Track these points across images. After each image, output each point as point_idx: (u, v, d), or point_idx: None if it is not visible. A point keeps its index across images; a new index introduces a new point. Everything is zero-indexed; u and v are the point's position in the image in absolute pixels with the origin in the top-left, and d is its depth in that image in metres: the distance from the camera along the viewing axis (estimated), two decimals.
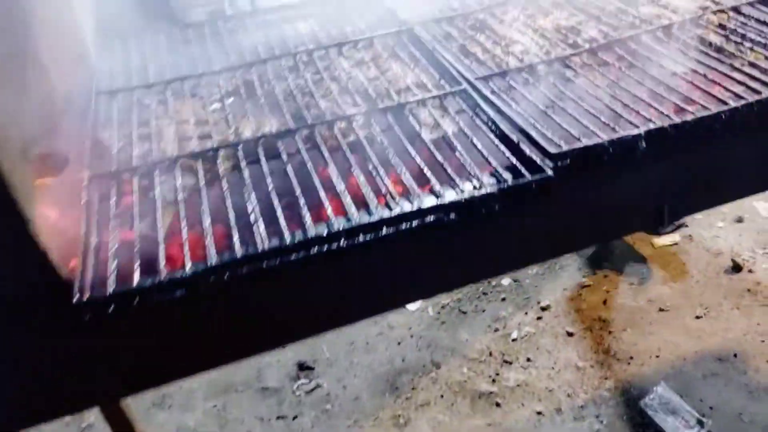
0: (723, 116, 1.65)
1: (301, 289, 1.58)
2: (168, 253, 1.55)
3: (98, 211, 1.63)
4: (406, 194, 1.58)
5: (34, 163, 1.67)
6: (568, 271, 3.83)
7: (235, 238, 1.49)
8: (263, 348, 1.70)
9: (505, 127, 1.72)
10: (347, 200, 1.56)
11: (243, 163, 1.72)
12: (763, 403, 2.99)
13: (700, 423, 2.91)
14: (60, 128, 1.77)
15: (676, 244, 3.88)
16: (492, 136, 1.72)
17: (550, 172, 1.55)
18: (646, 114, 1.70)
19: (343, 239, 1.48)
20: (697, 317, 3.45)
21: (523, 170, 1.58)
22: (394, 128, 1.80)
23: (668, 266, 3.76)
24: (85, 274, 1.45)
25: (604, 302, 3.60)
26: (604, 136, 1.62)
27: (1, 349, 1.43)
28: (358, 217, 1.51)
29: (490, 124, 1.76)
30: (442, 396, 3.25)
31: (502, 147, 1.67)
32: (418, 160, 1.67)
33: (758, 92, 1.72)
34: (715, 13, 2.08)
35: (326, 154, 1.72)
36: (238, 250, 1.46)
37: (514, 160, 1.63)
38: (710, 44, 1.96)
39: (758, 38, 1.96)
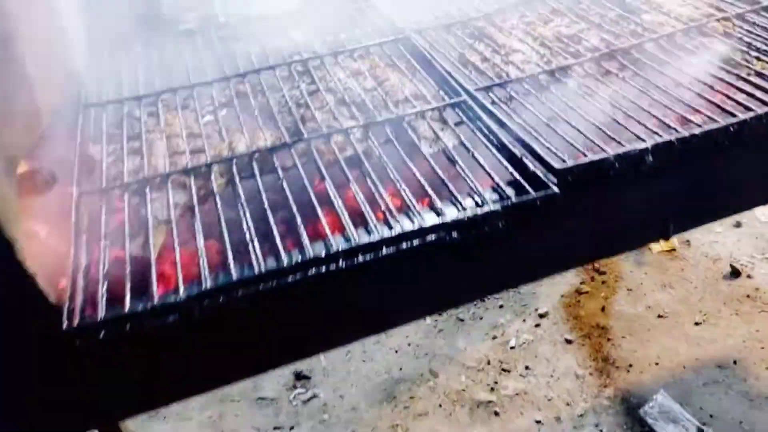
0: (731, 129, 1.61)
1: (298, 310, 1.53)
2: (160, 275, 1.50)
3: (88, 230, 1.58)
4: (406, 211, 1.53)
5: (20, 182, 1.61)
6: (566, 278, 3.79)
7: (230, 259, 1.44)
8: (260, 370, 1.65)
9: (506, 140, 1.67)
10: (345, 218, 1.51)
11: (237, 179, 1.67)
12: (764, 411, 2.96)
13: (701, 431, 2.88)
14: (47, 144, 1.72)
15: (674, 249, 3.85)
16: (493, 149, 1.67)
17: (555, 189, 1.51)
18: (651, 126, 1.66)
19: (341, 260, 1.43)
20: (697, 324, 3.42)
21: (527, 186, 1.54)
22: (392, 141, 1.75)
23: (666, 272, 3.73)
24: (74, 297, 1.39)
25: (603, 309, 3.57)
26: (610, 151, 1.57)
27: None
28: (357, 236, 1.47)
29: (491, 136, 1.71)
30: (440, 405, 3.21)
31: (504, 161, 1.63)
32: (417, 175, 1.62)
33: (767, 103, 1.67)
34: (719, 20, 2.04)
35: (323, 169, 1.67)
36: (234, 273, 1.41)
37: (517, 175, 1.58)
38: (715, 53, 1.91)
39: (764, 47, 1.92)
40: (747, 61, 1.87)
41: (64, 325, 1.33)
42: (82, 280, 1.44)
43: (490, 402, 3.19)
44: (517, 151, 1.63)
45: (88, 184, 1.71)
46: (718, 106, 1.71)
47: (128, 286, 1.41)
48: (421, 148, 1.72)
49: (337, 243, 1.45)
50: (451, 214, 1.51)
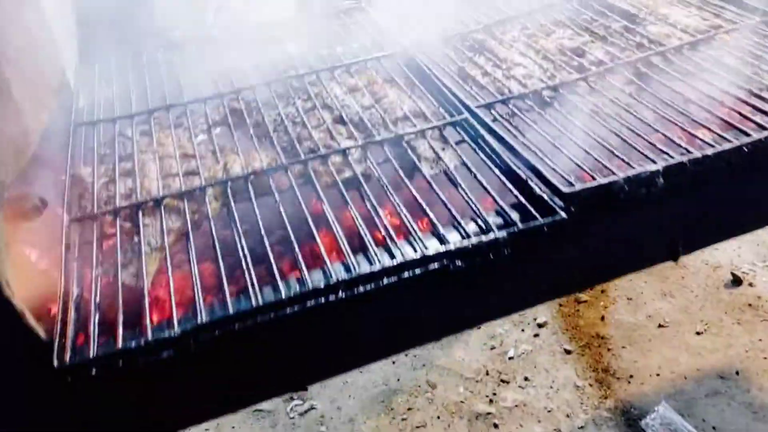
0: (745, 149, 1.55)
1: (296, 341, 1.48)
2: (154, 306, 1.45)
3: (79, 257, 1.53)
4: (407, 236, 1.49)
5: (8, 207, 1.55)
6: None
7: (226, 289, 1.39)
8: (256, 400, 1.59)
9: (510, 160, 1.62)
10: (345, 245, 1.46)
11: (232, 203, 1.62)
12: (767, 423, 2.91)
13: None
14: (36, 167, 1.66)
15: None
16: (497, 170, 1.62)
17: (562, 214, 1.45)
18: (660, 145, 1.61)
19: (341, 291, 1.38)
20: (698, 333, 3.38)
21: (532, 211, 1.48)
22: (392, 162, 1.70)
23: (667, 280, 3.69)
24: (65, 330, 1.34)
25: (602, 318, 3.52)
26: (620, 173, 1.52)
27: None
28: (357, 265, 1.42)
29: (494, 156, 1.67)
30: (438, 417, 3.16)
31: (508, 183, 1.58)
32: (419, 198, 1.57)
33: None
34: (727, 32, 1.98)
35: (321, 192, 1.62)
36: (230, 305, 1.35)
37: (521, 198, 1.53)
38: (724, 67, 1.86)
39: None
40: (758, 75, 1.82)
41: (55, 363, 1.27)
42: (74, 311, 1.39)
43: (489, 414, 3.14)
44: (522, 173, 1.58)
45: (78, 209, 1.65)
46: (729, 123, 1.66)
47: (121, 319, 1.36)
48: (421, 169, 1.67)
49: (337, 273, 1.40)
50: (454, 239, 1.46)
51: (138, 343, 1.30)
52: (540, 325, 3.52)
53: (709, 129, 1.65)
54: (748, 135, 1.59)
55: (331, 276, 1.38)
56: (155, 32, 2.36)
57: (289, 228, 1.51)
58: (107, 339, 1.36)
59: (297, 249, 1.45)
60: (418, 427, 3.13)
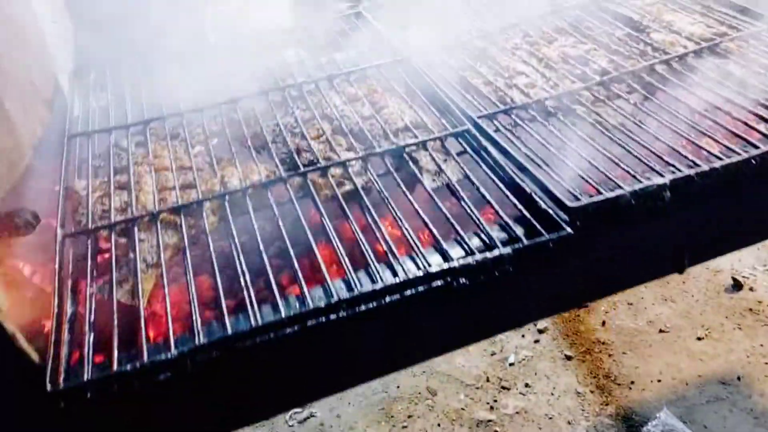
0: (754, 161, 1.52)
1: (296, 360, 1.44)
2: (150, 325, 1.42)
3: (73, 275, 1.49)
4: (409, 252, 1.45)
5: (0, 223, 1.52)
6: None
7: (224, 308, 1.36)
8: (255, 419, 1.56)
9: (514, 173, 1.59)
10: (345, 261, 1.43)
11: (230, 217, 1.58)
12: None
13: None
14: (29, 180, 1.62)
15: None
16: (500, 183, 1.59)
17: (568, 230, 1.42)
18: (667, 157, 1.58)
19: (343, 310, 1.34)
20: (699, 339, 3.35)
21: (537, 226, 1.45)
22: (393, 175, 1.67)
23: (667, 285, 3.66)
24: (59, 352, 1.31)
25: (603, 324, 3.50)
26: (626, 187, 1.49)
27: None
28: (359, 282, 1.38)
29: (497, 169, 1.63)
30: (438, 425, 3.14)
31: (512, 197, 1.54)
32: (420, 212, 1.53)
33: None
34: (733, 40, 1.95)
35: (320, 206, 1.58)
36: (229, 326, 1.32)
37: (526, 212, 1.49)
38: (730, 76, 1.82)
39: None
40: (764, 84, 1.78)
41: (48, 387, 1.24)
42: (67, 332, 1.36)
43: (489, 421, 3.11)
44: (526, 186, 1.54)
45: (73, 224, 1.62)
46: (736, 134, 1.63)
47: (116, 340, 1.32)
48: (423, 181, 1.63)
49: (338, 291, 1.37)
50: (457, 255, 1.43)
51: (134, 366, 1.26)
52: (540, 331, 3.50)
53: (715, 140, 1.62)
54: (756, 147, 1.56)
55: (332, 295, 1.35)
56: (151, 40, 2.31)
57: (288, 243, 1.47)
58: (102, 360, 1.33)
59: (296, 265, 1.42)
60: None
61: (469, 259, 1.39)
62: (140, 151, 1.85)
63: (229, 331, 1.31)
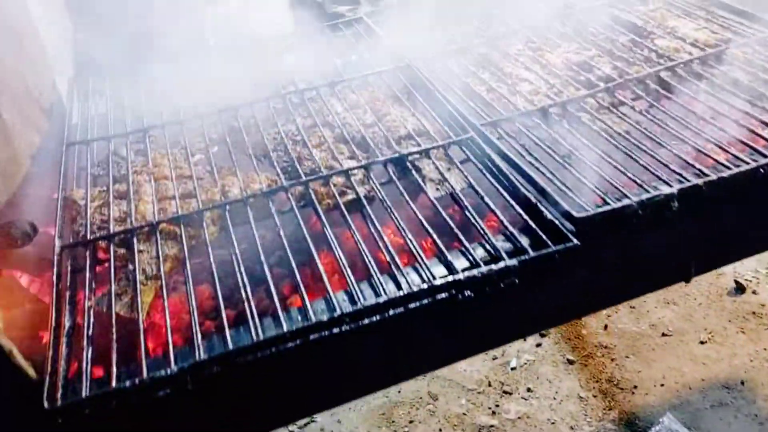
0: (762, 170, 1.50)
1: (297, 374, 1.42)
2: (150, 338, 1.40)
3: (71, 287, 1.47)
4: (413, 263, 1.43)
5: None
6: None
7: (225, 322, 1.33)
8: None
9: (518, 182, 1.57)
10: (348, 273, 1.41)
11: (231, 227, 1.56)
12: None
13: None
14: (27, 190, 1.60)
15: None
16: (504, 192, 1.56)
17: (575, 241, 1.40)
18: (674, 165, 1.56)
19: (346, 324, 1.32)
20: (702, 342, 3.33)
21: (543, 236, 1.43)
22: (395, 183, 1.64)
23: (669, 288, 3.63)
24: (57, 367, 1.28)
25: (605, 327, 3.48)
26: (633, 196, 1.47)
27: None
28: (361, 294, 1.36)
29: (501, 177, 1.61)
30: (440, 430, 3.12)
31: (517, 206, 1.52)
32: (424, 222, 1.51)
33: None
34: (738, 46, 1.92)
35: (322, 215, 1.56)
36: (230, 340, 1.30)
37: (531, 222, 1.47)
38: (736, 83, 1.80)
39: None
40: None
41: (46, 404, 1.22)
42: (65, 346, 1.33)
43: (491, 426, 3.09)
44: (531, 195, 1.52)
45: (71, 234, 1.59)
46: (743, 142, 1.61)
47: (115, 355, 1.30)
48: (426, 190, 1.61)
49: (341, 303, 1.35)
50: (462, 266, 1.41)
51: (133, 383, 1.24)
52: (542, 335, 3.47)
53: (722, 148, 1.60)
54: (763, 155, 1.54)
55: (335, 308, 1.33)
56: (151, 46, 2.29)
57: (290, 254, 1.45)
58: (101, 375, 1.31)
59: (299, 277, 1.40)
60: None
61: (475, 272, 1.37)
62: (140, 159, 1.83)
63: (230, 345, 1.28)
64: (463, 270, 1.38)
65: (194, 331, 1.32)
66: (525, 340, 3.47)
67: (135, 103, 2.07)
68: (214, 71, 2.19)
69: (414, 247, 1.45)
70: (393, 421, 3.17)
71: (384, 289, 1.36)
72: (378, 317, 1.34)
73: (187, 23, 2.43)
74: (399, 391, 3.29)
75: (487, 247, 1.45)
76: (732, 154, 1.57)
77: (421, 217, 1.52)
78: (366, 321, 1.33)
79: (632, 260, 1.61)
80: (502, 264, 1.37)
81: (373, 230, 1.52)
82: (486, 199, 1.56)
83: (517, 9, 2.37)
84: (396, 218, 1.53)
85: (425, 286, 1.35)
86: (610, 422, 3.02)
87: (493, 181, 1.61)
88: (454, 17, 2.43)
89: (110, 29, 2.34)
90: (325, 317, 1.31)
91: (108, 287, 1.45)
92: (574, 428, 3.03)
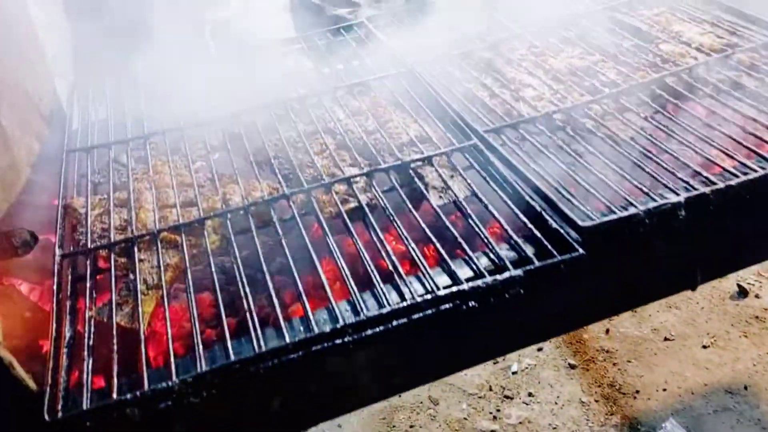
0: None
1: (298, 384, 1.41)
2: (151, 348, 1.38)
3: (71, 297, 1.46)
4: (416, 272, 1.42)
5: None
6: None
7: (227, 333, 1.32)
8: None
9: (522, 190, 1.55)
10: (350, 282, 1.39)
11: (232, 235, 1.54)
12: None
13: None
14: (27, 198, 1.59)
15: None
16: (508, 200, 1.55)
17: (580, 250, 1.38)
18: (680, 173, 1.54)
19: (349, 335, 1.30)
20: (704, 347, 3.32)
21: (548, 246, 1.41)
22: (398, 191, 1.63)
23: None
24: (57, 378, 1.27)
25: (607, 331, 3.46)
26: (639, 205, 1.45)
27: None
28: (365, 305, 1.35)
29: (505, 185, 1.59)
30: None
31: (521, 215, 1.50)
32: (427, 231, 1.50)
33: None
34: (744, 51, 1.91)
35: (324, 223, 1.54)
36: (231, 351, 1.28)
37: (536, 231, 1.46)
38: (742, 89, 1.78)
39: None
40: None
41: (46, 417, 1.20)
42: (66, 357, 1.32)
43: (493, 431, 3.07)
44: (536, 204, 1.50)
45: (71, 243, 1.58)
46: (749, 149, 1.59)
47: (116, 366, 1.28)
48: (429, 198, 1.60)
49: (344, 314, 1.33)
50: (465, 275, 1.39)
51: (134, 395, 1.22)
52: None
53: (728, 155, 1.58)
54: None
55: (337, 319, 1.31)
56: (152, 52, 2.27)
57: (291, 263, 1.44)
58: (102, 386, 1.30)
59: (301, 286, 1.38)
60: None
61: (479, 282, 1.35)
62: (140, 166, 1.81)
63: (232, 357, 1.27)
64: (467, 280, 1.37)
65: (195, 341, 1.30)
66: None
67: (135, 110, 2.06)
68: (214, 79, 2.17)
69: (417, 255, 1.44)
70: (394, 426, 3.16)
71: (387, 300, 1.35)
72: (381, 328, 1.32)
73: (188, 28, 2.41)
74: (399, 396, 3.28)
75: (491, 256, 1.44)
76: (739, 161, 1.56)
77: (423, 225, 1.51)
78: (369, 332, 1.31)
79: (638, 269, 1.59)
80: (507, 274, 1.36)
81: (375, 239, 1.50)
82: (490, 207, 1.54)
83: (520, 13, 2.35)
84: (398, 226, 1.51)
85: (429, 296, 1.34)
86: (612, 427, 3.01)
87: (496, 188, 1.59)
88: (455, 22, 2.41)
89: (110, 33, 2.32)
90: (327, 328, 1.29)
91: (109, 297, 1.43)
92: None
